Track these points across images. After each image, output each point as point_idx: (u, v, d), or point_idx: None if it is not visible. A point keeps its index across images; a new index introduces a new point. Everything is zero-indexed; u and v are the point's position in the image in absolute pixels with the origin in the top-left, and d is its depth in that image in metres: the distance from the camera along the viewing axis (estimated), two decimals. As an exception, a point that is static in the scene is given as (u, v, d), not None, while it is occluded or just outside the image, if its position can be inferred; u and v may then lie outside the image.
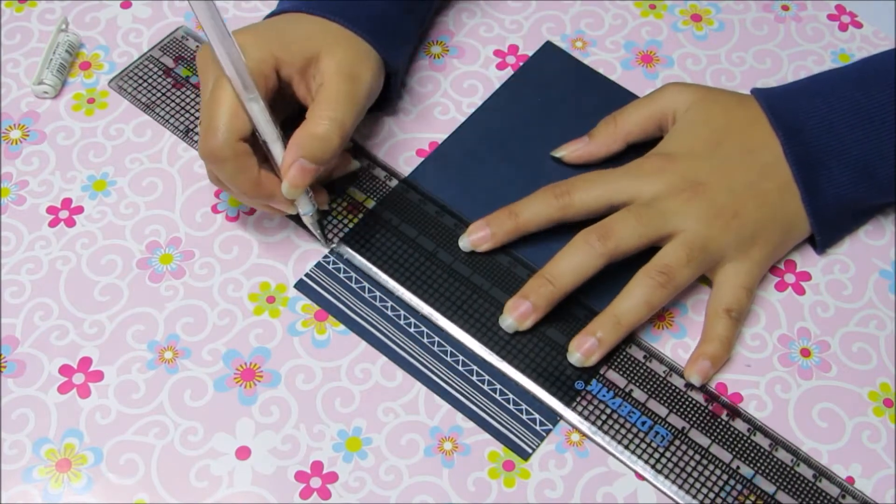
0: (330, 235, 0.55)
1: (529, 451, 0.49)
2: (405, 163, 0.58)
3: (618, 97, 0.60)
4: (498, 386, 0.51)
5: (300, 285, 0.54)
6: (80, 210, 0.56)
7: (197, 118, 0.59)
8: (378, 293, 0.53)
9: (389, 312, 0.53)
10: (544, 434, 0.50)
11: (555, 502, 0.48)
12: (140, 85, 0.61)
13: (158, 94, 0.60)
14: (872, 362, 0.52)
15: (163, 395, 0.50)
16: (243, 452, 0.49)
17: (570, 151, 0.57)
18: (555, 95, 0.60)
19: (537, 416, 0.50)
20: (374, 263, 0.54)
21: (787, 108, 0.54)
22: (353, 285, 0.54)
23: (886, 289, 0.54)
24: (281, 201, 0.51)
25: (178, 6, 0.64)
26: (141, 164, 0.58)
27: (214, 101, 0.49)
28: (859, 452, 0.49)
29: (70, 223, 0.56)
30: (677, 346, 0.52)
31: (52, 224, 0.56)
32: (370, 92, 0.53)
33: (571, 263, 0.50)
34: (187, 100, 0.60)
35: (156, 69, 0.61)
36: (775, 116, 0.53)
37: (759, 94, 0.55)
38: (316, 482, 0.48)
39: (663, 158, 0.53)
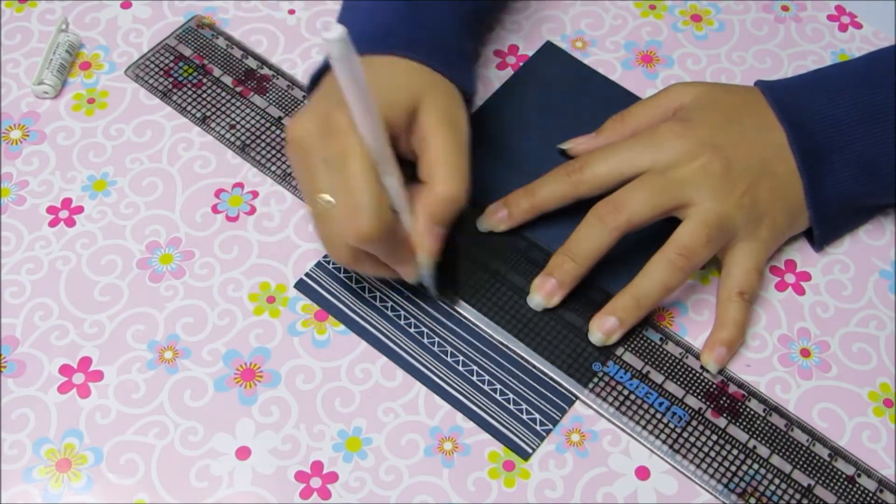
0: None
1: (529, 451, 0.49)
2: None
3: (618, 97, 0.60)
4: (498, 386, 0.51)
5: (300, 285, 0.54)
6: (80, 210, 0.56)
7: (214, 107, 0.59)
8: (378, 293, 0.53)
9: (389, 312, 0.53)
10: (544, 434, 0.50)
11: (555, 502, 0.48)
12: (157, 73, 0.61)
13: (175, 82, 0.60)
14: (872, 362, 0.52)
15: (163, 395, 0.50)
16: (243, 452, 0.49)
17: (576, 144, 0.57)
18: (555, 96, 0.60)
19: (537, 416, 0.50)
20: None
21: (793, 100, 0.54)
22: (354, 285, 0.54)
23: (886, 289, 0.54)
24: (411, 267, 0.49)
25: (178, 6, 0.64)
26: (141, 164, 0.58)
27: (356, 178, 0.44)
28: (859, 452, 0.49)
29: (70, 223, 0.56)
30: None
31: (52, 224, 0.56)
32: (469, 134, 0.50)
33: (587, 239, 0.50)
34: (203, 87, 0.60)
35: (172, 57, 0.61)
36: (780, 108, 0.53)
37: (763, 86, 0.55)
38: (316, 482, 0.48)
39: (681, 123, 0.53)
